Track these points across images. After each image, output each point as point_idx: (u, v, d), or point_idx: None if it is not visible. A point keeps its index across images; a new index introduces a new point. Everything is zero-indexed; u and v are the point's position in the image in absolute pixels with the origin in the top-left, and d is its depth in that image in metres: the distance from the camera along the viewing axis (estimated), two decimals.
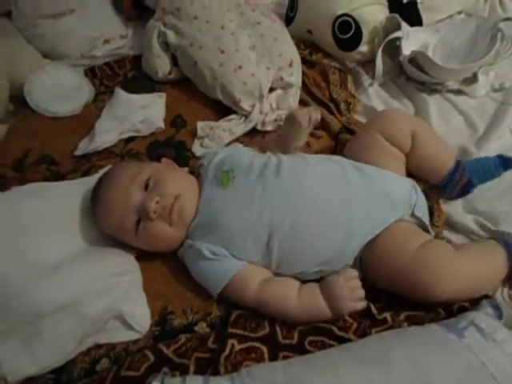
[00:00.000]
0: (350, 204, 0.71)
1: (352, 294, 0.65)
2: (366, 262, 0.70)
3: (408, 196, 0.74)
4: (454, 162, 0.81)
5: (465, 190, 0.80)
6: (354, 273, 0.67)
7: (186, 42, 1.05)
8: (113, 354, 0.67)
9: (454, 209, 0.81)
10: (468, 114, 0.99)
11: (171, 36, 1.08)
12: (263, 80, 1.01)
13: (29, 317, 0.66)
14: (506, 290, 0.68)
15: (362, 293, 0.66)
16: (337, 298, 0.65)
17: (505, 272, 0.68)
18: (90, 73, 1.19)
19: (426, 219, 0.75)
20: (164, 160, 0.84)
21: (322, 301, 0.66)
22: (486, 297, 0.66)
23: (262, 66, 1.03)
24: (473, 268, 0.66)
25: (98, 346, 0.68)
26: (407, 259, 0.65)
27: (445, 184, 0.81)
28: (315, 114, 0.83)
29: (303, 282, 0.72)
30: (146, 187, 0.73)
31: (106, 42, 1.23)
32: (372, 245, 0.70)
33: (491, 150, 0.90)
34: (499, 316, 0.61)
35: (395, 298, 0.68)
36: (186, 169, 0.88)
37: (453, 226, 0.79)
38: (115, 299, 0.70)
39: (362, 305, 0.66)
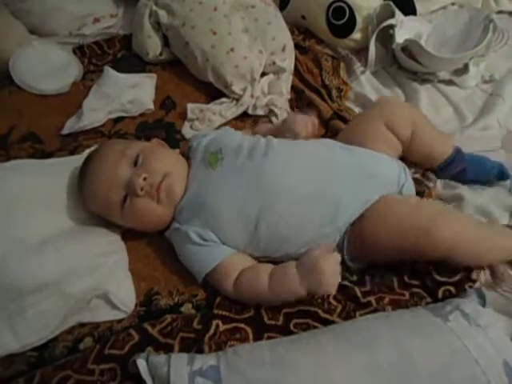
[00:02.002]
0: (338, 184, 0.70)
1: (331, 278, 0.63)
2: (354, 237, 0.69)
3: (397, 177, 0.75)
4: (454, 148, 0.82)
5: (457, 177, 0.82)
6: (336, 257, 0.65)
7: (177, 22, 1.04)
8: (97, 333, 0.66)
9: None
10: (458, 104, 1.00)
11: (163, 15, 1.06)
12: (255, 64, 1.00)
13: (12, 294, 0.64)
14: (487, 273, 0.68)
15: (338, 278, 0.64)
16: (314, 280, 0.63)
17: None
18: (79, 51, 1.17)
19: None
20: (154, 140, 0.83)
21: (294, 278, 0.64)
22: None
23: (254, 50, 1.02)
24: (479, 227, 0.68)
25: (82, 325, 0.67)
26: (408, 210, 0.65)
27: (442, 167, 0.82)
28: (314, 123, 0.85)
29: None
30: (135, 163, 0.72)
31: (96, 20, 1.21)
32: (361, 217, 0.69)
33: (478, 140, 0.91)
34: (482, 305, 0.62)
35: (380, 282, 0.69)
36: (177, 150, 0.87)
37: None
38: (100, 278, 0.69)
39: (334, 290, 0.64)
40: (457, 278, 0.66)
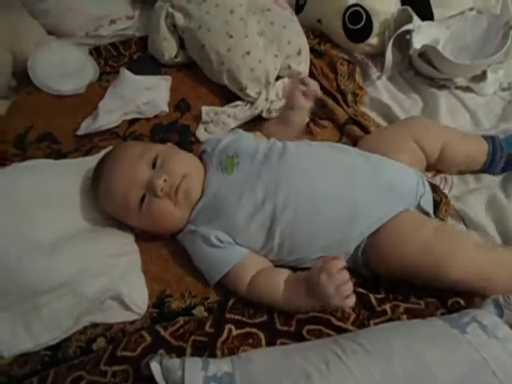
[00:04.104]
0: (355, 191, 0.70)
1: (338, 291, 0.59)
2: (371, 251, 0.69)
3: (415, 188, 0.74)
4: (490, 144, 0.82)
5: (507, 167, 0.83)
6: (340, 264, 0.60)
7: (194, 25, 1.04)
8: (109, 333, 0.67)
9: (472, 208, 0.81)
10: (475, 111, 0.98)
11: (179, 18, 1.06)
12: (271, 67, 1.00)
13: (26, 293, 0.65)
14: None
15: (349, 288, 0.60)
16: (321, 297, 0.60)
17: None
18: (95, 52, 1.18)
19: (431, 211, 0.74)
20: (168, 144, 0.83)
21: (305, 296, 0.63)
22: None
23: (270, 53, 1.01)
24: (489, 256, 0.66)
25: (95, 325, 0.68)
26: (422, 241, 0.65)
27: (487, 166, 0.83)
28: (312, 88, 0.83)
29: (303, 269, 0.71)
30: (154, 165, 0.73)
31: (112, 22, 1.21)
32: (378, 233, 0.69)
33: None
34: (500, 315, 0.60)
35: (395, 290, 0.68)
36: (192, 154, 0.87)
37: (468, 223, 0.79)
38: (113, 279, 0.70)
39: (350, 302, 0.60)
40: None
